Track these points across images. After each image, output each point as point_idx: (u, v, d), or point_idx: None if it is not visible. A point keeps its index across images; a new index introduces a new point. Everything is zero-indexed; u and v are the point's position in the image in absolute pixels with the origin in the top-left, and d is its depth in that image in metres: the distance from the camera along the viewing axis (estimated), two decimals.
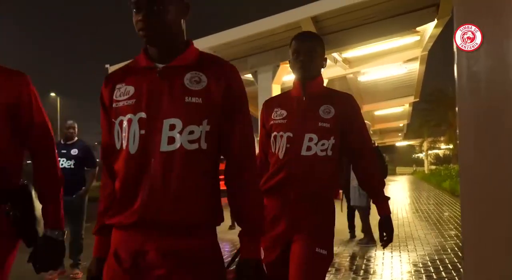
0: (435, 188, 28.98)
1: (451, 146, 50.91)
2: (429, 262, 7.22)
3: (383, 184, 2.96)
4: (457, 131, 4.01)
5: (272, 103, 2.97)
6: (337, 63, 11.78)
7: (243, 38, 10.12)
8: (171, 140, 1.72)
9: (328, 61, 12.10)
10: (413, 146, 72.30)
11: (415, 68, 13.58)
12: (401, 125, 31.65)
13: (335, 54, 11.08)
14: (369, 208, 8.71)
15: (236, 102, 1.88)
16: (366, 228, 8.85)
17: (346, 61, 12.15)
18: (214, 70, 1.85)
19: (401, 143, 63.55)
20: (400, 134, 39.80)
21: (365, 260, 7.45)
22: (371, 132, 9.67)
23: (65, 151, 6.78)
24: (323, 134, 2.70)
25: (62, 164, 6.44)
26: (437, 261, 7.27)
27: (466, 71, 3.91)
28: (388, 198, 2.88)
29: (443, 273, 6.55)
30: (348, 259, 7.61)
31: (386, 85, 16.05)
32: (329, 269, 6.66)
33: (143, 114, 1.76)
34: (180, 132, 1.72)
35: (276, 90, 10.44)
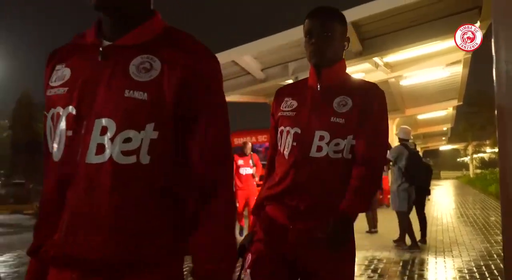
0: (481, 193, 28.40)
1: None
2: (474, 268, 7.10)
3: (371, 194, 2.33)
4: (496, 134, 3.98)
5: (284, 92, 2.48)
6: (378, 67, 11.75)
7: (284, 44, 10.19)
8: (100, 148, 1.26)
9: (369, 66, 12.28)
10: (457, 150, 70.96)
11: (458, 71, 13.41)
12: (444, 129, 31.22)
13: (376, 59, 11.06)
14: (409, 213, 8.64)
15: (202, 101, 1.34)
16: (409, 233, 8.75)
17: (387, 65, 12.11)
18: (174, 53, 1.33)
19: (445, 147, 62.57)
20: (444, 138, 39.32)
21: (409, 266, 7.38)
22: (411, 137, 9.54)
23: None
24: (337, 131, 2.19)
25: None
26: (483, 267, 7.14)
27: (505, 75, 3.88)
28: (361, 210, 2.27)
29: (489, 279, 6.44)
30: (392, 265, 7.56)
31: (428, 89, 15.89)
32: (372, 274, 6.65)
33: (72, 109, 1.30)
34: (112, 139, 1.25)
35: None
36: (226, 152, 1.41)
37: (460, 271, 6.95)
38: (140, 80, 1.29)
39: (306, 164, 2.21)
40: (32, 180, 35.28)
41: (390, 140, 10.01)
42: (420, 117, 22.41)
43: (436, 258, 7.91)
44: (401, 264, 7.56)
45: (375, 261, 7.63)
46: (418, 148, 28.41)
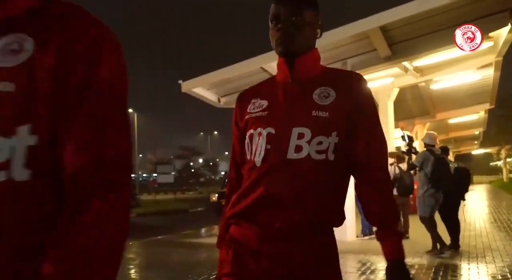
0: None
1: None
2: (508, 274, 6.99)
3: (395, 214, 1.87)
4: None
5: (248, 94, 2.08)
6: (408, 72, 11.67)
7: None
8: None
9: (399, 70, 12.20)
10: (490, 154, 69.99)
11: (489, 74, 13.25)
12: (476, 132, 30.81)
13: (405, 63, 10.99)
14: (432, 217, 8.57)
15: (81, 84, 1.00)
16: (436, 238, 8.65)
17: (417, 69, 12.02)
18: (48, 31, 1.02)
19: (477, 151, 61.66)
20: (476, 142, 38.76)
21: (441, 272, 7.30)
22: (437, 142, 9.44)
23: None
24: (320, 127, 1.79)
25: None
26: None
27: None
28: (401, 235, 1.85)
29: None
30: (423, 271, 7.48)
31: (459, 92, 15.72)
32: None
33: None
34: None
35: None
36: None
37: (493, 277, 6.86)
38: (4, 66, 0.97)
39: (282, 169, 1.77)
40: None
41: (420, 144, 9.94)
42: (451, 121, 22.13)
43: (469, 264, 7.82)
44: (433, 270, 7.48)
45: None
46: (450, 153, 28.16)
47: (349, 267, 7.95)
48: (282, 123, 1.83)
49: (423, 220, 8.64)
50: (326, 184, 1.80)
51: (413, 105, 17.85)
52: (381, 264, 7.90)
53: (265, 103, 1.94)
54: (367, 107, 1.90)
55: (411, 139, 9.95)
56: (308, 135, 1.77)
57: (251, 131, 1.90)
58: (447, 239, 8.82)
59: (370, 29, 9.24)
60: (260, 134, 1.86)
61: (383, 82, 13.27)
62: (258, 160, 1.84)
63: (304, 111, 1.82)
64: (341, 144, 1.81)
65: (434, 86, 14.44)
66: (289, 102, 1.88)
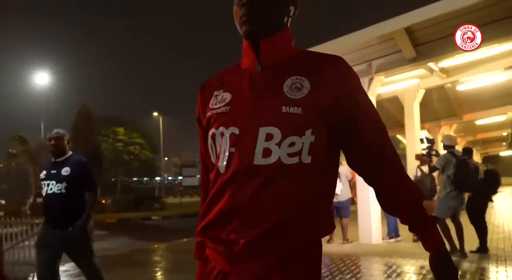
0: None
1: None
2: None
3: (421, 199, 1.67)
4: None
5: (211, 84, 1.78)
6: (433, 73, 11.57)
7: (336, 51, 10.10)
8: None
9: (424, 71, 12.10)
10: None
11: None
12: (504, 134, 30.31)
13: (431, 64, 10.89)
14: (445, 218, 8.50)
15: None
16: (447, 238, 8.51)
17: (443, 70, 11.91)
18: None
19: (505, 153, 60.71)
20: (504, 143, 38.14)
21: (468, 275, 7.21)
22: (457, 143, 9.36)
23: (55, 171, 5.13)
24: (291, 126, 1.51)
25: (51, 188, 5.05)
26: None
27: None
28: (436, 219, 1.72)
29: None
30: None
31: (486, 93, 15.52)
32: None
33: None
34: None
35: None
36: None
37: None
38: None
39: (248, 177, 1.51)
40: None
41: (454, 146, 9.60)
42: (479, 122, 21.83)
43: (497, 266, 7.72)
44: (459, 273, 7.40)
45: None
46: (478, 154, 27.69)
47: (374, 270, 7.91)
48: (247, 122, 1.55)
49: (438, 221, 8.53)
50: (301, 191, 1.52)
51: (439, 106, 17.68)
52: (407, 267, 7.84)
53: (228, 96, 1.66)
54: (355, 97, 1.61)
55: (431, 142, 9.88)
56: (278, 136, 1.51)
57: (213, 130, 1.64)
58: (471, 243, 8.71)
59: (395, 30, 9.19)
60: (222, 134, 1.59)
61: (408, 84, 13.18)
62: (221, 165, 1.58)
63: (273, 107, 1.54)
64: (319, 143, 1.54)
65: (460, 87, 14.29)
66: (256, 95, 1.59)
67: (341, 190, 10.37)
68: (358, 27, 9.84)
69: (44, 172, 5.21)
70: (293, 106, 1.52)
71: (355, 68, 11.11)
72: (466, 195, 8.90)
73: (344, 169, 10.60)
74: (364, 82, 10.41)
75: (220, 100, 1.66)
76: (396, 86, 13.27)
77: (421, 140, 10.13)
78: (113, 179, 48.90)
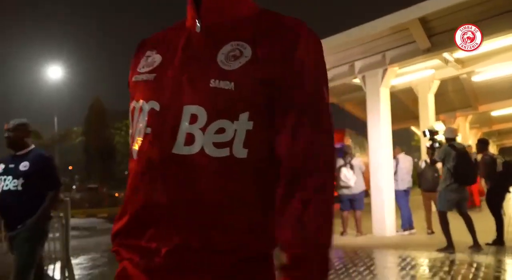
0: None
1: None
2: None
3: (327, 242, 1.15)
4: None
5: (149, 42, 1.41)
6: (448, 63, 11.45)
7: (349, 43, 10.11)
8: None
9: (439, 62, 11.97)
10: None
11: None
12: None
13: (446, 54, 10.77)
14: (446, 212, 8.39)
15: None
16: (445, 233, 8.41)
17: (458, 61, 11.78)
18: None
19: None
20: None
21: (483, 268, 7.13)
22: (458, 134, 9.27)
23: (13, 166, 4.58)
24: (221, 106, 1.15)
25: (7, 185, 4.48)
26: None
27: None
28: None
29: None
30: (465, 266, 7.32)
31: (502, 84, 15.33)
32: (445, 276, 6.46)
33: None
34: None
35: (385, 94, 10.30)
36: None
37: None
38: None
39: (166, 169, 1.16)
40: (105, 185, 36.28)
41: (463, 138, 9.76)
42: (494, 113, 21.61)
43: None
44: (474, 266, 7.32)
45: (447, 262, 7.42)
46: (494, 146, 27.42)
47: (388, 262, 7.85)
48: (171, 96, 1.20)
49: (440, 214, 8.46)
50: (233, 194, 1.17)
51: (454, 97, 17.51)
52: (421, 259, 7.78)
53: (158, 60, 1.30)
54: (302, 73, 1.20)
55: (432, 134, 9.83)
56: (203, 118, 1.15)
57: (134, 103, 1.29)
58: (487, 235, 8.62)
59: (409, 20, 9.09)
60: (141, 109, 1.24)
61: (423, 75, 13.07)
62: (134, 149, 1.26)
63: (201, 80, 1.18)
64: (258, 132, 1.17)
65: (476, 78, 14.13)
66: (185, 63, 1.23)
67: (355, 182, 10.30)
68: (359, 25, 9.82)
69: (2, 166, 4.64)
70: (223, 79, 1.16)
71: (368, 60, 11.13)
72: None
73: (357, 161, 10.55)
74: (377, 73, 10.37)
75: (149, 63, 1.31)
76: (410, 77, 13.16)
77: (424, 133, 10.09)
78: (126, 173, 49.20)
